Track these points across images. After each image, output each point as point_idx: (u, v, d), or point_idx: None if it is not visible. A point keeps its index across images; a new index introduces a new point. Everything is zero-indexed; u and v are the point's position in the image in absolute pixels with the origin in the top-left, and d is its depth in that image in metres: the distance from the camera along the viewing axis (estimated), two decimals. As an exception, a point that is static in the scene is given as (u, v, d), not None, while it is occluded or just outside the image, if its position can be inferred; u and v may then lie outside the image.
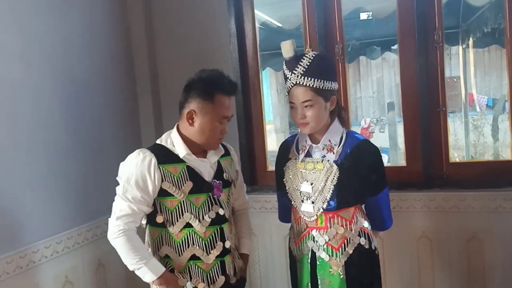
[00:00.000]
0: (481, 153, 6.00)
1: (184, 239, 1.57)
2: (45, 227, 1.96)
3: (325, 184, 1.61)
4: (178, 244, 1.58)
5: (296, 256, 1.73)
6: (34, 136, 1.93)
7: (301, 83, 1.57)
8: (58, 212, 2.03)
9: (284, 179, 1.72)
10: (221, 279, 1.61)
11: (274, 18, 4.08)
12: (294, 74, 1.57)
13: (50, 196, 1.99)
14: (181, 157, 1.57)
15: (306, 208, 1.64)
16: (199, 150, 1.62)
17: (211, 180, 1.62)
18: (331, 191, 1.61)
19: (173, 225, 1.57)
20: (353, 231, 1.65)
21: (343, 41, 2.42)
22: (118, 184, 1.58)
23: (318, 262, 1.64)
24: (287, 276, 2.57)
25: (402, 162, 2.37)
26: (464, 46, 5.62)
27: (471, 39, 5.29)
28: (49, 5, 2.06)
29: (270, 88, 8.60)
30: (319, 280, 1.64)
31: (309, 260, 1.66)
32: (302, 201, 1.65)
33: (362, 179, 1.65)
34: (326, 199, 1.61)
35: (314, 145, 1.66)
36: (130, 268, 1.55)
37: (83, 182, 2.16)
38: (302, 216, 1.66)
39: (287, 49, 1.60)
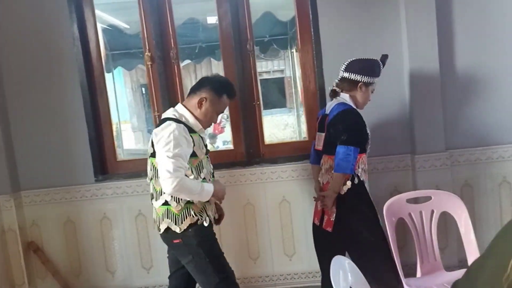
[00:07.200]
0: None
1: None
2: None
3: None
4: None
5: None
6: None
7: None
8: None
9: None
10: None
11: (121, 21, 4.30)
12: None
13: None
14: (196, 131, 2.03)
15: None
16: None
17: None
18: None
19: (199, 178, 2.01)
20: None
21: (177, 47, 2.86)
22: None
23: None
24: (139, 252, 2.94)
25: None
26: (292, 50, 6.56)
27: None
28: None
29: (125, 86, 8.42)
30: None
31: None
32: None
33: None
34: None
35: None
36: (197, 199, 1.98)
37: None
38: None
39: None
